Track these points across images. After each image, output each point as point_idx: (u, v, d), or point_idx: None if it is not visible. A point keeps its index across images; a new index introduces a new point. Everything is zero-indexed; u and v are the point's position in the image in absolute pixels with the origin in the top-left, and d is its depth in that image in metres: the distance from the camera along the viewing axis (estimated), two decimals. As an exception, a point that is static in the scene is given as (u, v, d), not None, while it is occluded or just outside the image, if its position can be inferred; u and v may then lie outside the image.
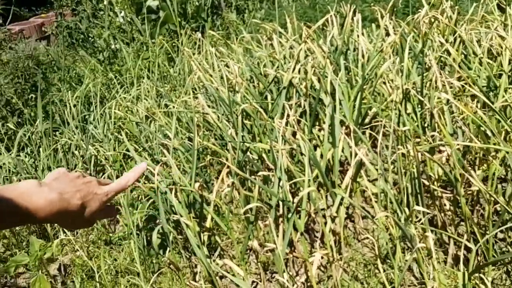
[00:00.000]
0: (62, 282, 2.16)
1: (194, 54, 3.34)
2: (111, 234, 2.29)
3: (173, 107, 2.30)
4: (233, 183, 1.63)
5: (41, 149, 2.46)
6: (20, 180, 2.40)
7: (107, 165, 2.43)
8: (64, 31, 4.18)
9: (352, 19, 2.41)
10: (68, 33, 4.82)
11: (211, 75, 2.52)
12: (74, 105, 2.60)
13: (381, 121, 1.65)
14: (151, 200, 2.02)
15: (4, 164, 2.31)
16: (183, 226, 1.67)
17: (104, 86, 2.80)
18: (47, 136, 2.49)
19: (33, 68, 3.35)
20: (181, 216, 1.64)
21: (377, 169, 1.60)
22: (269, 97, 2.25)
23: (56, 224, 0.67)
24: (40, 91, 3.11)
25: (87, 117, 2.64)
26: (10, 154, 2.35)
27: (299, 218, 1.54)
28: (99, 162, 2.48)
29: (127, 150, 2.44)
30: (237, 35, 3.82)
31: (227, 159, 1.99)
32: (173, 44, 3.30)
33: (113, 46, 3.42)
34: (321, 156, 1.81)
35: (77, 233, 2.34)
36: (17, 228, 2.32)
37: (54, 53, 4.03)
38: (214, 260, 1.83)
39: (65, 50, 4.46)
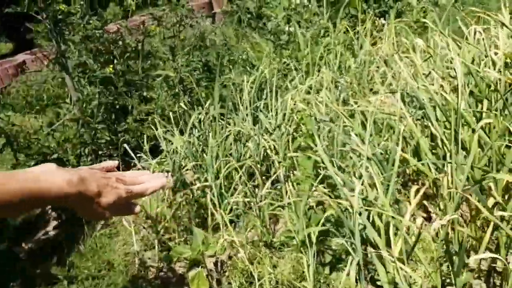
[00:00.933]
0: (218, 281, 2.02)
1: (375, 43, 2.96)
2: (272, 238, 2.07)
3: (360, 105, 1.96)
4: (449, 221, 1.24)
5: (210, 134, 2.33)
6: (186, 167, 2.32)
7: (276, 160, 2.22)
8: (236, 11, 4.11)
9: None
10: (236, 11, 4.78)
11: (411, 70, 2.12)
12: (248, 91, 2.43)
13: None
14: (328, 213, 1.73)
15: (176, 147, 2.23)
16: (375, 262, 1.35)
17: (277, 72, 2.59)
18: (216, 121, 2.36)
19: (205, 46, 3.31)
20: (377, 246, 1.31)
21: None
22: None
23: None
24: (213, 72, 3.03)
25: (258, 105, 2.45)
26: (183, 137, 2.26)
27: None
28: (266, 155, 2.28)
29: (299, 147, 2.20)
30: (420, 24, 3.33)
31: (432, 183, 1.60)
32: (354, 30, 2.95)
33: (286, 29, 3.20)
34: None
35: (235, 228, 2.19)
36: (179, 213, 2.24)
37: (221, 32, 3.99)
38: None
39: (233, 30, 4.42)
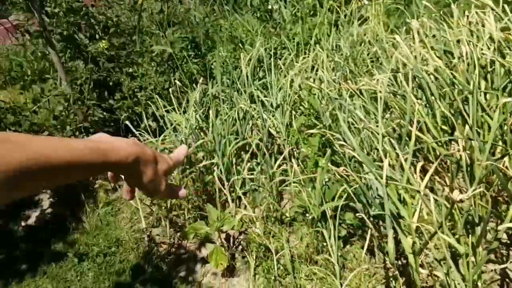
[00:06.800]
0: (232, 256, 2.09)
1: (361, 23, 3.06)
2: (284, 215, 2.17)
3: (365, 84, 2.06)
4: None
5: (210, 111, 2.37)
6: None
7: (279, 139, 2.29)
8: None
9: None
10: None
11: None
12: (238, 67, 2.46)
13: None
14: (350, 188, 1.84)
15: (179, 124, 2.25)
16: (400, 234, 1.48)
17: (271, 50, 2.63)
18: (220, 99, 2.39)
19: (190, 23, 3.27)
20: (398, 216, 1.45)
21: None
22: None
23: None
24: (200, 49, 3.02)
25: (253, 83, 2.50)
26: (185, 114, 2.28)
27: None
28: (268, 133, 2.35)
29: (304, 124, 2.28)
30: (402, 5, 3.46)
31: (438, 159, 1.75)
32: (337, 10, 3.03)
33: (270, 6, 3.23)
34: None
35: (240, 205, 2.26)
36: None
37: (196, 9, 3.94)
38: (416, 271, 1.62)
39: (205, 7, 4.38)
